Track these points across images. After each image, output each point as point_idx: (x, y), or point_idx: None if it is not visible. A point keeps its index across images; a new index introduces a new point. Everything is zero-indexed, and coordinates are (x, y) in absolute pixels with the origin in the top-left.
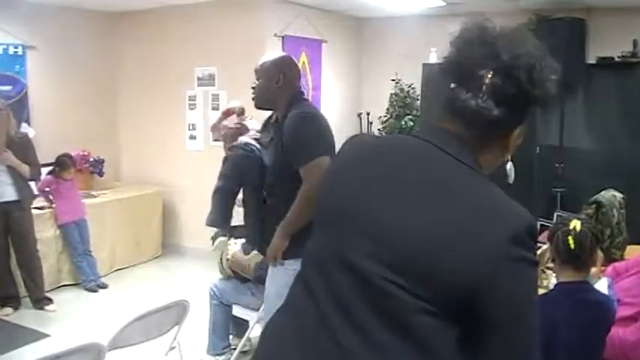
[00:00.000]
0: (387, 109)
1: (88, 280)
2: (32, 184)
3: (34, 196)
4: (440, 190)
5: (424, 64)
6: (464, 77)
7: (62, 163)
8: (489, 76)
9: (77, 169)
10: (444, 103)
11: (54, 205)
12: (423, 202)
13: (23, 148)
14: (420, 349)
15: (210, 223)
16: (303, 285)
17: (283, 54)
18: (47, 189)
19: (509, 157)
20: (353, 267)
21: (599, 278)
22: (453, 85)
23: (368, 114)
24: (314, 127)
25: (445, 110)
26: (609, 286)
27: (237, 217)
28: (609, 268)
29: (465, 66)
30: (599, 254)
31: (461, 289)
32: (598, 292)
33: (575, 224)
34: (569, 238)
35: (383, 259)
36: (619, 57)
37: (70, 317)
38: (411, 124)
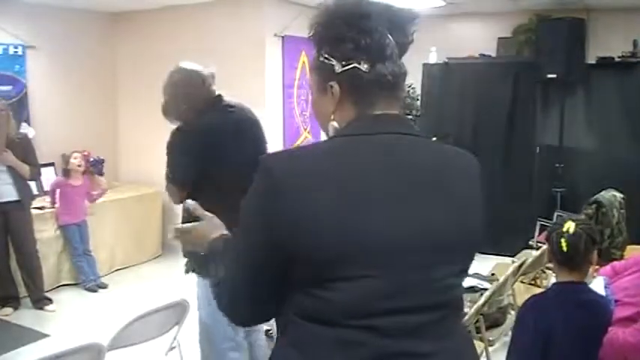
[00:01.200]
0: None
1: (87, 280)
2: (33, 184)
3: (34, 196)
4: (435, 173)
5: (424, 64)
6: (378, 53)
7: (66, 158)
8: (391, 39)
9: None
10: (359, 90)
11: (56, 206)
12: (442, 200)
13: (23, 149)
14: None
15: None
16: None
17: (173, 69)
18: (57, 190)
19: None
20: (424, 285)
21: (594, 277)
22: (366, 67)
23: None
24: (179, 149)
25: (366, 96)
26: (605, 286)
27: None
28: (608, 267)
29: (379, 44)
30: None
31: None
32: (595, 293)
33: (569, 226)
34: (562, 240)
35: (448, 262)
36: (619, 57)
37: (70, 317)
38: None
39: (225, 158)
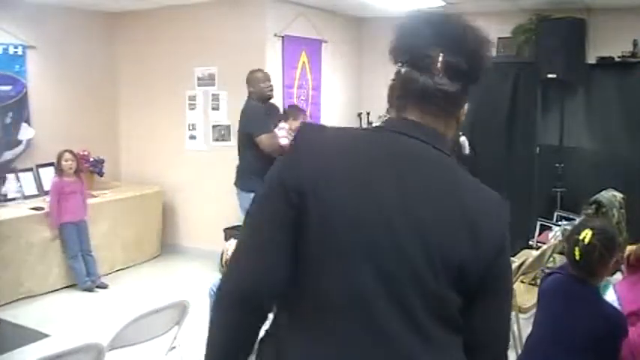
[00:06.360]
0: (387, 109)
1: (82, 281)
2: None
3: None
4: (443, 185)
5: None
6: (416, 59)
7: (58, 157)
8: (441, 55)
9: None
10: (398, 92)
11: (52, 204)
12: (436, 205)
13: None
14: (454, 331)
15: None
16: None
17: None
18: (57, 192)
19: (461, 132)
20: (410, 280)
21: (605, 284)
22: (405, 69)
23: (368, 114)
24: None
25: (401, 99)
26: (617, 298)
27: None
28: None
29: (416, 48)
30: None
31: (478, 271)
32: (606, 304)
33: (586, 235)
34: (576, 249)
35: (432, 266)
36: (619, 57)
37: (70, 317)
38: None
39: None
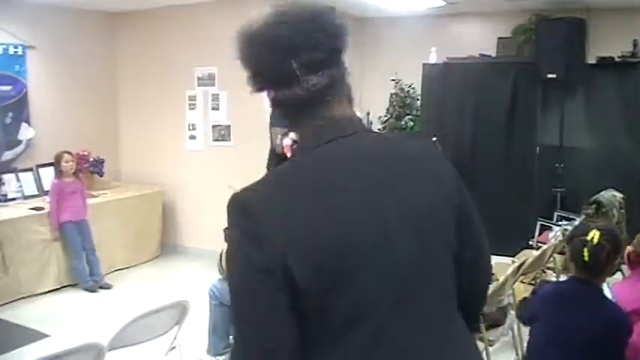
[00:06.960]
0: (387, 109)
1: (84, 281)
2: (29, 184)
3: None
4: (417, 170)
5: (424, 64)
6: (277, 81)
7: (57, 158)
8: (294, 63)
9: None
10: (287, 114)
11: (51, 205)
12: (425, 194)
13: None
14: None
15: None
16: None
17: None
18: (57, 194)
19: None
20: (419, 285)
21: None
22: (275, 94)
23: (368, 114)
24: None
25: (297, 116)
26: (613, 296)
27: None
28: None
29: (271, 70)
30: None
31: (457, 221)
32: (612, 303)
33: (594, 235)
34: (585, 250)
35: (435, 263)
36: (619, 57)
37: (70, 317)
38: (411, 124)
39: None
